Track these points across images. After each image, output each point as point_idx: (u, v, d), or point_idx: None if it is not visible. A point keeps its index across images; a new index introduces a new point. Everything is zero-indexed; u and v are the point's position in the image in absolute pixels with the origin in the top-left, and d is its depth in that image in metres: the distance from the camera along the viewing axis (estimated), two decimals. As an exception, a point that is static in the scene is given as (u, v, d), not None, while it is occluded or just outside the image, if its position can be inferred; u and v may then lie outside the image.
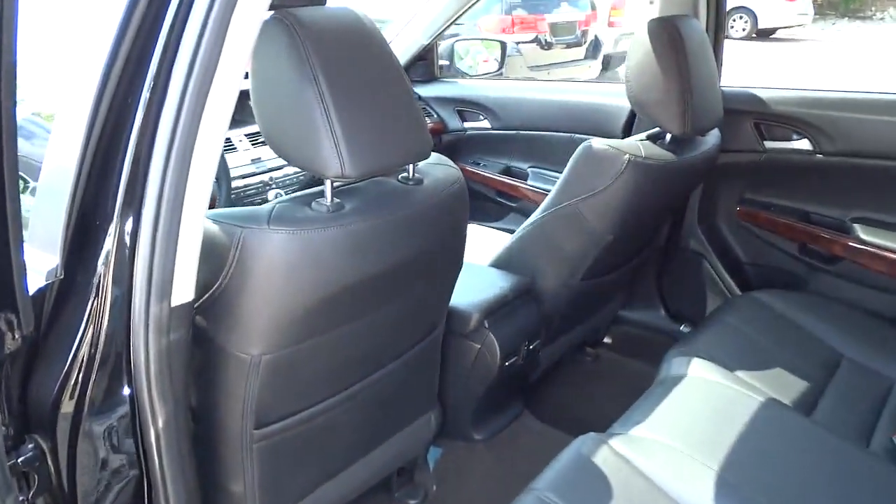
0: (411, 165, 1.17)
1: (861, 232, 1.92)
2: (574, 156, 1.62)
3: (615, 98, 2.26)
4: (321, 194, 1.07)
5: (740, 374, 1.56)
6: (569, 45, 7.79)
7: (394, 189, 1.16)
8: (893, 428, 1.48)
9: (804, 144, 1.96)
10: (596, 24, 8.23)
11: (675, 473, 1.22)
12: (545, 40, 7.46)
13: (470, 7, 2.39)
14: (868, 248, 1.91)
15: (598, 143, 1.58)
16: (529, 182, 2.52)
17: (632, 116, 2.21)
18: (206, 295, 1.00)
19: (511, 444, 1.81)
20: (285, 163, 1.92)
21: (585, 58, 7.92)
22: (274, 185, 2.03)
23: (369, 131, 1.04)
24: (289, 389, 1.15)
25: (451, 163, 1.30)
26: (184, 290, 0.91)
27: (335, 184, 1.06)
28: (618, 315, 2.33)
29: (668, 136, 1.67)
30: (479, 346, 1.61)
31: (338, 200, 1.06)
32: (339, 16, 1.05)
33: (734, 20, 12.62)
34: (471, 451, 1.78)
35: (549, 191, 2.43)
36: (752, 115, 2.01)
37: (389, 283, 1.17)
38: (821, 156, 1.93)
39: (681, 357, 1.61)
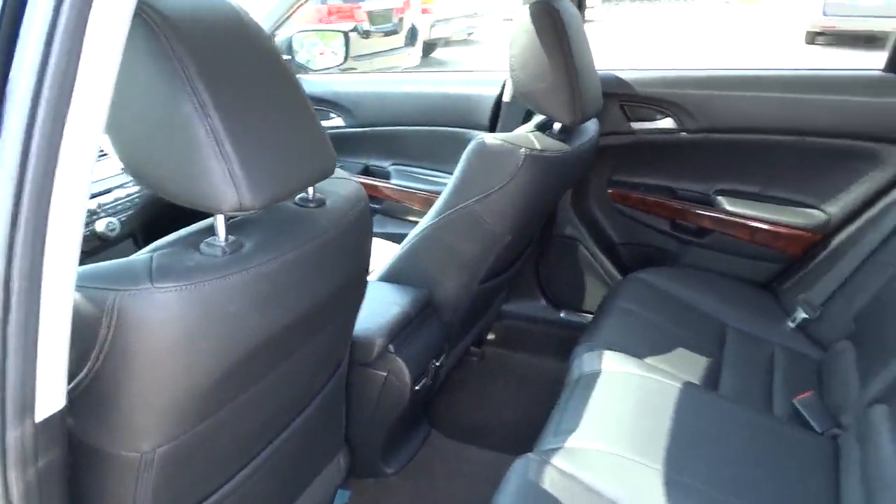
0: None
1: (725, 203, 2.01)
2: (466, 154, 1.49)
3: (478, 87, 2.17)
4: (209, 232, 0.85)
5: (649, 360, 1.55)
6: (387, 34, 7.69)
7: (294, 215, 0.97)
8: (788, 391, 1.54)
9: (668, 123, 2.00)
10: (410, 11, 8.21)
11: (623, 483, 1.17)
12: (363, 29, 7.29)
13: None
14: (732, 219, 1.99)
15: (490, 138, 1.47)
16: (393, 181, 2.37)
17: (497, 105, 2.13)
18: (71, 386, 0.75)
19: (425, 471, 1.67)
20: (115, 184, 1.61)
21: (405, 45, 7.87)
22: (103, 214, 1.69)
23: (268, 148, 0.83)
24: (191, 479, 0.92)
25: (346, 174, 1.12)
26: (52, 396, 0.66)
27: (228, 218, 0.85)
28: (500, 311, 2.27)
29: (557, 126, 1.60)
30: (385, 374, 1.44)
31: (233, 238, 0.85)
32: (211, 7, 0.83)
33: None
34: (383, 488, 1.61)
35: (415, 189, 2.33)
36: (618, 97, 2.01)
37: (302, 328, 0.98)
38: (684, 133, 1.98)
39: (590, 352, 1.56)
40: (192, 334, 0.77)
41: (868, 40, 9.16)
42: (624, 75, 2.00)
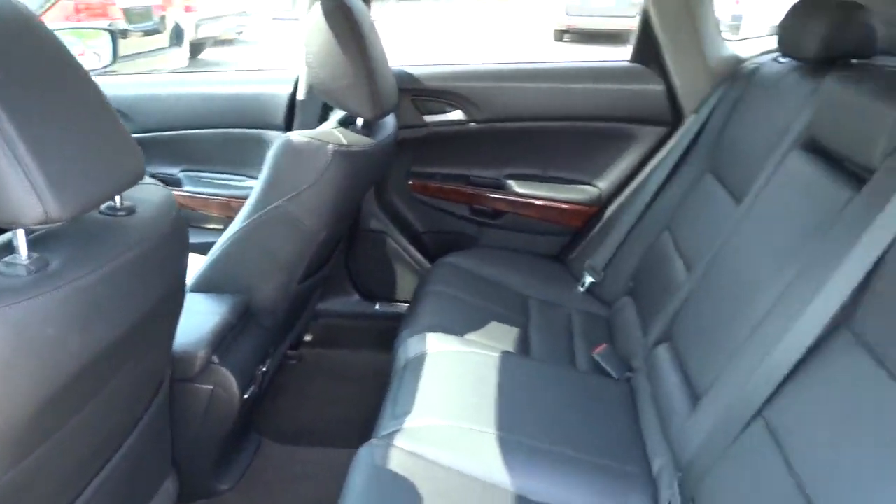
0: None
1: (514, 186, 2.19)
2: (273, 153, 1.47)
3: (270, 86, 2.13)
4: (7, 250, 0.77)
5: (468, 336, 1.65)
6: (148, 33, 7.16)
7: (103, 225, 0.90)
8: (587, 347, 1.74)
9: (458, 115, 2.12)
10: (173, 8, 7.71)
11: (462, 451, 1.25)
12: (120, 28, 6.71)
13: None
14: (521, 199, 2.18)
15: (296, 136, 1.46)
16: (185, 188, 2.24)
17: (292, 104, 2.11)
18: None
19: (260, 480, 1.63)
20: None
21: (170, 45, 7.38)
22: None
23: (71, 153, 0.77)
24: None
25: (155, 181, 1.06)
26: None
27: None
28: (314, 310, 2.25)
29: (360, 121, 1.63)
30: (210, 387, 1.38)
31: (36, 255, 0.77)
32: None
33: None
34: (219, 506, 1.54)
35: (211, 195, 2.23)
36: (409, 92, 2.09)
37: (123, 349, 0.91)
38: (473, 124, 2.12)
39: (414, 337, 1.63)
40: (6, 362, 0.69)
41: (610, 37, 10.38)
42: (413, 71, 2.09)
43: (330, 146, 1.45)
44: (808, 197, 1.26)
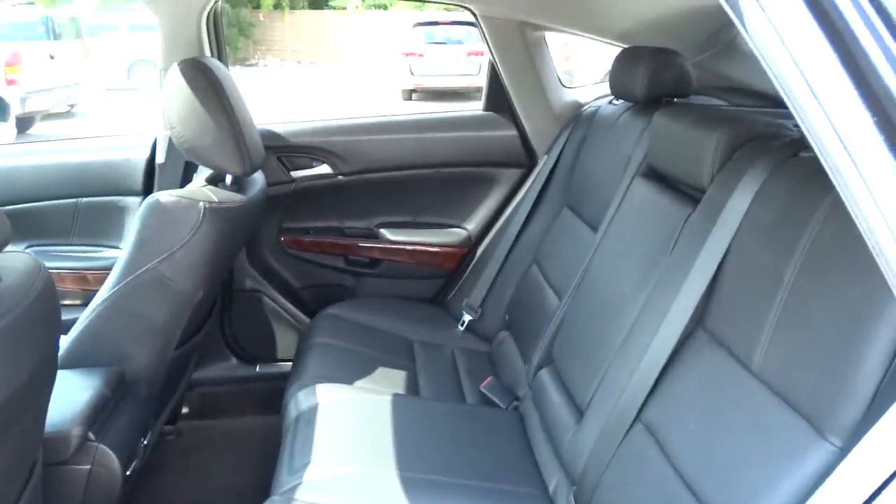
0: None
1: (387, 234, 2.24)
2: (140, 214, 1.43)
3: (125, 151, 2.06)
4: None
5: (358, 383, 1.66)
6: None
7: None
8: (474, 382, 1.80)
9: (325, 169, 2.16)
10: (-7, 83, 7.24)
11: (364, 495, 1.25)
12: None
13: None
14: (394, 246, 2.24)
15: (165, 196, 1.43)
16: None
17: (150, 168, 2.05)
18: None
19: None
20: None
21: (-8, 122, 6.88)
22: None
23: None
24: None
25: (21, 251, 1.01)
26: None
27: None
28: (190, 380, 2.15)
29: (228, 179, 1.62)
30: (88, 468, 1.28)
31: None
32: None
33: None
34: None
35: (64, 269, 2.09)
36: (274, 149, 2.10)
37: None
38: (341, 177, 2.16)
39: (302, 390, 1.61)
40: None
41: (455, 94, 10.89)
42: (277, 129, 2.11)
43: (201, 204, 1.43)
44: (653, 218, 1.41)
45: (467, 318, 2.08)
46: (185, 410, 2.17)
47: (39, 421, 1.09)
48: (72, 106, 9.70)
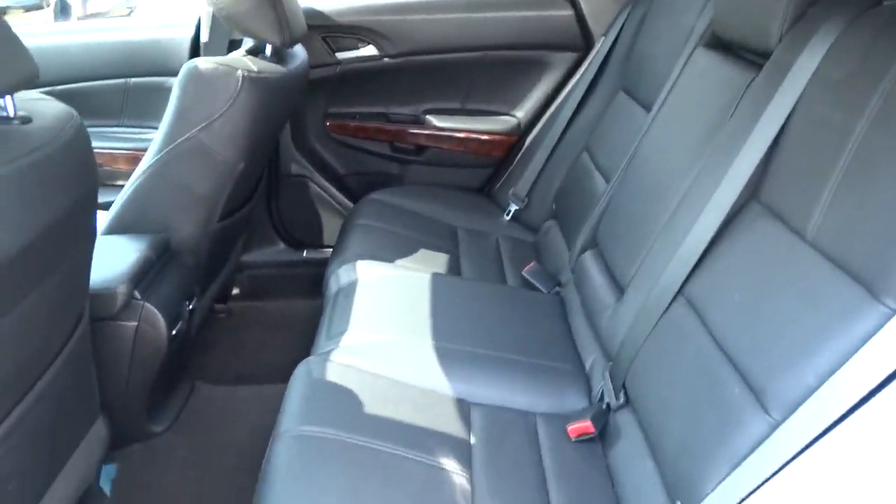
0: (9, 98, 0.87)
1: (434, 121, 2.18)
2: (179, 81, 1.41)
3: (170, 30, 2.04)
4: None
5: (399, 262, 1.65)
6: (28, 9, 6.71)
7: None
8: (516, 268, 1.77)
9: (371, 50, 2.09)
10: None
11: (398, 361, 1.26)
12: None
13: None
14: (442, 133, 2.18)
15: (203, 62, 1.41)
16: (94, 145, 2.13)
17: (195, 47, 2.03)
18: None
19: (199, 420, 1.59)
20: None
21: (56, 22, 6.94)
22: None
23: None
24: None
25: (54, 99, 1.01)
26: None
27: None
28: (239, 262, 2.20)
29: (268, 50, 1.58)
30: (135, 324, 1.33)
31: None
32: None
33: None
34: (155, 450, 1.50)
35: (117, 149, 2.12)
36: (318, 29, 2.04)
37: (32, 263, 0.87)
38: (387, 59, 2.09)
39: (344, 266, 1.61)
40: None
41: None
42: (321, 7, 2.04)
43: (239, 72, 1.40)
44: (712, 88, 1.31)
45: (513, 207, 2.04)
46: (235, 291, 2.23)
47: (82, 271, 1.11)
48: (131, 9, 9.73)
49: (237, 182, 1.54)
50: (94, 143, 2.15)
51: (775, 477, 0.70)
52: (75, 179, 0.94)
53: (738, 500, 0.74)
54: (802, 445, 0.71)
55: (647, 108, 1.62)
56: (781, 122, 1.04)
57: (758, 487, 0.71)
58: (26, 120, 0.89)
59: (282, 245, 2.25)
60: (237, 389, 1.70)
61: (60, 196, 0.90)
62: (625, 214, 1.44)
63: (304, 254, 2.26)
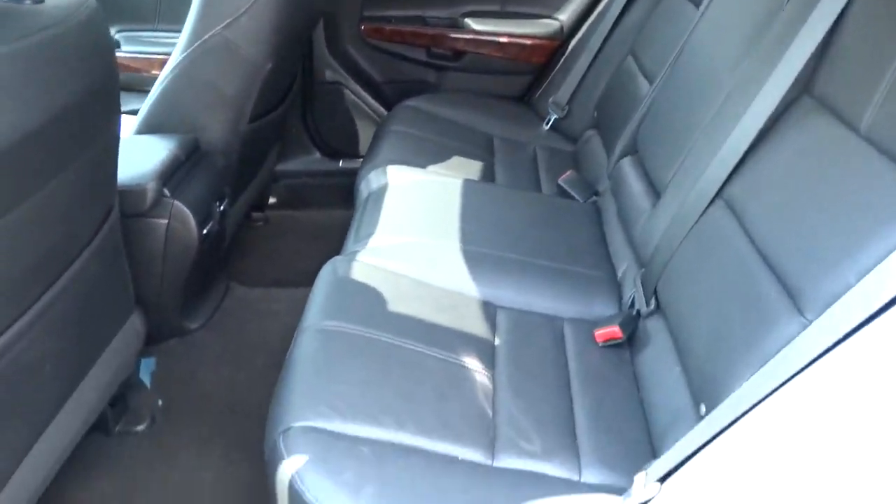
0: None
1: (472, 24, 2.09)
2: None
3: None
4: None
5: (431, 168, 1.62)
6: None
7: (4, 10, 0.83)
8: (553, 177, 1.71)
9: (407, -52, 2.00)
10: None
11: (424, 262, 1.24)
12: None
13: None
14: (481, 38, 2.09)
15: None
16: (124, 50, 2.12)
17: None
18: None
19: (233, 319, 1.62)
20: None
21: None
22: None
23: None
24: None
25: None
26: None
27: None
28: (274, 172, 2.19)
29: None
30: (165, 222, 1.34)
31: None
32: None
33: None
34: (191, 345, 1.54)
35: (153, 54, 2.10)
36: None
37: (49, 145, 0.86)
38: None
39: (374, 171, 1.59)
40: None
41: None
42: None
43: None
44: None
45: (553, 116, 1.96)
46: (272, 201, 2.23)
47: (107, 164, 1.11)
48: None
49: (266, 83, 1.51)
50: (129, 48, 2.15)
51: (800, 375, 0.67)
52: (89, 64, 0.93)
53: (760, 399, 0.71)
54: (831, 343, 0.67)
55: (697, 3, 1.50)
56: (839, 9, 0.95)
57: (781, 385, 0.68)
58: (38, 0, 0.87)
59: (317, 154, 2.23)
60: (271, 292, 1.73)
61: (73, 79, 0.88)
62: (666, 117, 1.37)
63: (340, 164, 2.24)
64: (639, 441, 0.99)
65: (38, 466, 1.03)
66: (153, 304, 1.39)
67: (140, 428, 1.38)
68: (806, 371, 0.66)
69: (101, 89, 0.98)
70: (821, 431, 0.62)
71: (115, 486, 1.27)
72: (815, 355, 0.66)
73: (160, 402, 1.44)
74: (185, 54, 1.42)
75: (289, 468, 0.81)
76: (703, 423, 0.77)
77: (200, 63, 1.42)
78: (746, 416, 0.72)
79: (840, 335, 0.66)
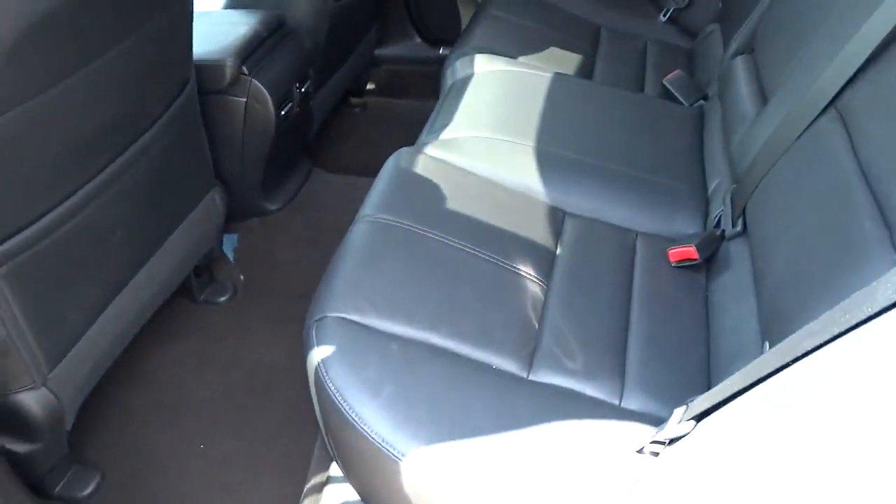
0: None
1: None
2: None
3: None
4: None
5: (522, 59, 1.51)
6: None
7: None
8: (659, 76, 1.55)
9: None
10: None
11: (494, 160, 1.17)
12: None
13: None
14: None
15: None
16: None
17: None
18: None
19: (314, 203, 1.64)
20: None
21: None
22: None
23: None
24: (17, 182, 0.84)
25: None
26: None
27: None
28: (374, 57, 2.14)
29: None
30: (244, 100, 1.34)
31: None
32: None
33: None
34: (271, 225, 1.58)
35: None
36: None
37: (104, 10, 0.85)
38: None
39: (463, 58, 1.50)
40: None
41: None
42: None
43: None
44: None
45: (672, 6, 1.75)
46: (371, 87, 2.20)
47: (180, 35, 1.10)
48: None
49: None
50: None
51: (866, 325, 0.56)
52: None
53: (817, 345, 0.61)
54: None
55: None
56: None
57: (843, 333, 0.57)
58: None
59: (418, 40, 2.15)
60: (351, 179, 1.72)
61: None
62: (787, 11, 1.17)
63: (441, 51, 2.15)
64: (694, 372, 0.91)
65: (113, 325, 1.10)
66: (234, 181, 1.42)
67: (222, 299, 1.45)
68: (874, 321, 0.56)
69: None
70: (879, 396, 0.53)
71: (192, 351, 1.35)
72: (889, 302, 0.55)
73: (241, 277, 1.50)
74: None
75: (317, 356, 0.81)
76: (755, 362, 0.69)
77: None
78: (798, 363, 0.62)
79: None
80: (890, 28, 0.84)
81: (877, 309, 0.56)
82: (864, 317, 0.57)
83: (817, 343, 0.60)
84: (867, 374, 0.55)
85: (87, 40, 0.85)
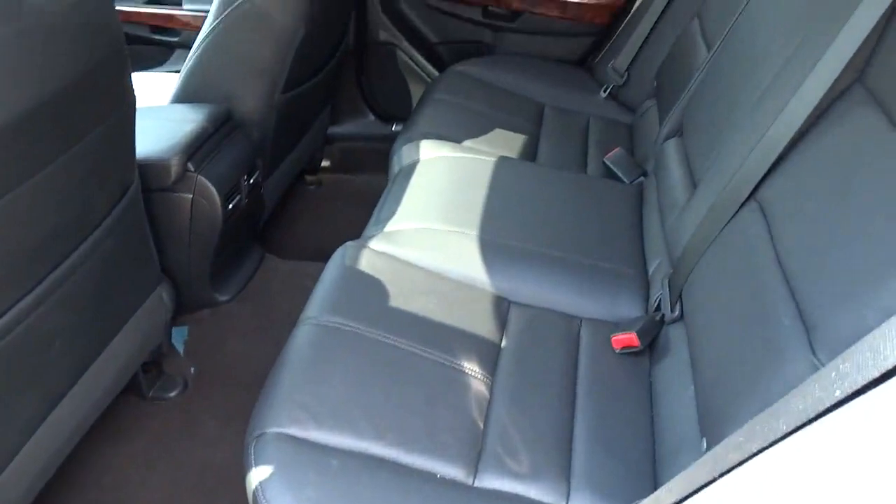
0: None
1: None
2: None
3: None
4: None
5: (468, 142, 1.54)
6: None
7: None
8: (601, 154, 1.60)
9: None
10: None
11: (436, 252, 1.18)
12: None
13: None
14: None
15: None
16: (186, 7, 2.12)
17: None
18: None
19: (264, 292, 1.64)
20: None
21: None
22: None
23: None
24: None
25: None
26: None
27: None
28: (328, 135, 2.17)
29: None
30: (190, 196, 1.35)
31: None
32: None
33: None
34: (222, 316, 1.57)
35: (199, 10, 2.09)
36: None
37: (49, 125, 0.86)
38: None
39: (408, 144, 1.53)
40: None
41: None
42: None
43: None
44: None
45: (612, 83, 1.82)
46: (326, 164, 2.22)
47: (123, 140, 1.10)
48: None
49: (300, 50, 1.47)
50: (193, 6, 2.12)
51: (801, 431, 0.57)
52: (93, 40, 0.91)
53: (751, 454, 0.62)
54: (835, 401, 0.57)
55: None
56: None
57: (779, 439, 0.58)
58: None
59: (371, 117, 2.19)
60: (304, 265, 1.72)
61: (75, 57, 0.87)
62: (711, 96, 1.23)
63: (394, 127, 2.19)
64: (640, 462, 0.92)
65: (53, 437, 1.07)
66: (182, 275, 1.42)
67: (172, 394, 1.43)
68: (808, 428, 0.57)
69: (109, 64, 0.96)
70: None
71: (142, 450, 1.32)
72: (817, 412, 0.57)
73: (192, 370, 1.48)
74: (215, 23, 1.39)
75: (255, 478, 0.80)
76: (697, 463, 0.69)
77: (230, 33, 1.39)
78: (737, 470, 0.63)
79: (847, 392, 0.56)
80: (805, 115, 0.88)
81: (792, 426, 0.58)
82: (780, 434, 0.58)
83: (742, 457, 0.61)
84: (789, 492, 0.56)
85: (30, 155, 0.85)
